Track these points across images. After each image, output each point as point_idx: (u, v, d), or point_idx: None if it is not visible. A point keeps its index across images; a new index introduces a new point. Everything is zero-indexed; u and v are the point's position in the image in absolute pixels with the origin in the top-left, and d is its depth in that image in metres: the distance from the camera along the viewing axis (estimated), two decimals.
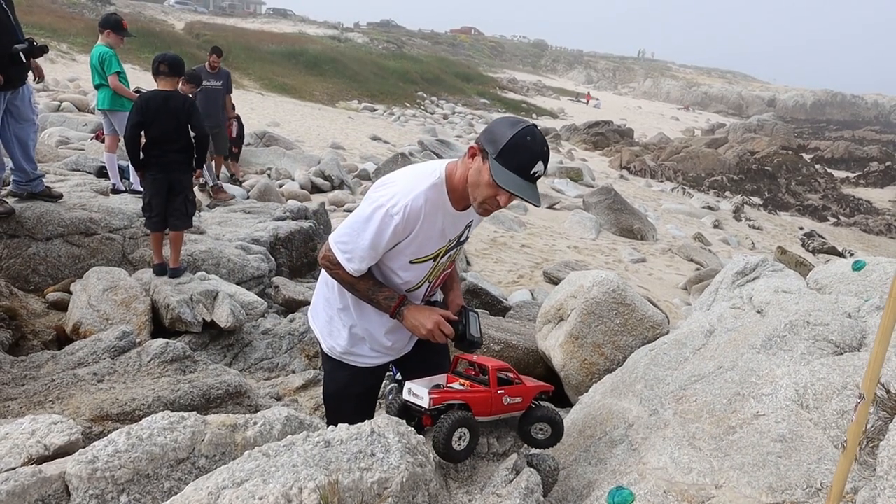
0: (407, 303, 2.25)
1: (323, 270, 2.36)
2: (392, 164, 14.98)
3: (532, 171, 2.00)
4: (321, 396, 4.27)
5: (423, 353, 2.50)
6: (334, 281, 2.33)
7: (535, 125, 2.05)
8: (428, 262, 2.28)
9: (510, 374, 2.15)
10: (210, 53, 9.41)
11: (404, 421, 2.05)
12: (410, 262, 2.25)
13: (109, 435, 1.70)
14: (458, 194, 2.17)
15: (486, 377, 2.10)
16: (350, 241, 2.16)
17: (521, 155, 1.97)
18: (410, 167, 2.28)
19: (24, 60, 4.77)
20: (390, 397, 2.34)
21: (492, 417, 2.12)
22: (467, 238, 2.44)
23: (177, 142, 4.82)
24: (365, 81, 39.25)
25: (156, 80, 4.89)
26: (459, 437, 1.94)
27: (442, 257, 2.31)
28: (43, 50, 4.93)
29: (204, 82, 8.72)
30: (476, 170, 2.06)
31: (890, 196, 27.21)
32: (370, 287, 2.24)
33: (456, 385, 2.11)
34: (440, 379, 2.18)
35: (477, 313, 2.35)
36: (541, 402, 2.25)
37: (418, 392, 1.98)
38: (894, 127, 65.14)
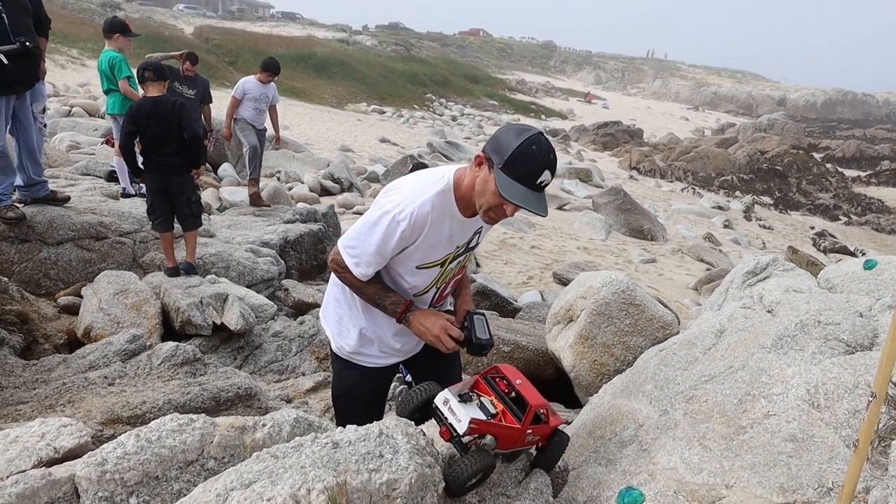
0: (413, 308, 2.25)
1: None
2: (401, 166, 15.00)
3: (538, 181, 1.97)
4: (331, 398, 4.29)
5: (433, 354, 2.50)
6: None
7: (541, 132, 2.02)
8: (435, 267, 2.28)
9: (543, 412, 2.10)
10: (183, 61, 7.84)
11: (416, 416, 2.03)
12: (417, 268, 2.25)
13: (119, 437, 1.71)
14: (466, 201, 2.17)
15: (516, 394, 2.06)
16: (358, 246, 2.17)
17: (527, 165, 1.95)
18: (419, 173, 2.28)
19: (7, 63, 4.52)
20: (398, 391, 2.30)
21: (508, 451, 2.09)
22: (477, 244, 2.44)
23: (170, 145, 4.89)
24: (373, 84, 39.34)
25: (143, 88, 4.96)
26: (476, 478, 1.93)
27: (450, 263, 2.31)
28: (30, 53, 4.68)
29: (174, 84, 7.75)
30: (482, 179, 2.04)
31: None
32: (377, 291, 2.25)
33: (486, 401, 2.06)
34: (468, 384, 2.13)
35: (483, 315, 2.33)
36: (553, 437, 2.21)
37: (457, 412, 1.91)
38: None
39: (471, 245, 2.36)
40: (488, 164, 2.02)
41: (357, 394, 2.52)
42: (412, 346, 2.50)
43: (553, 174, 2.01)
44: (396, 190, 2.18)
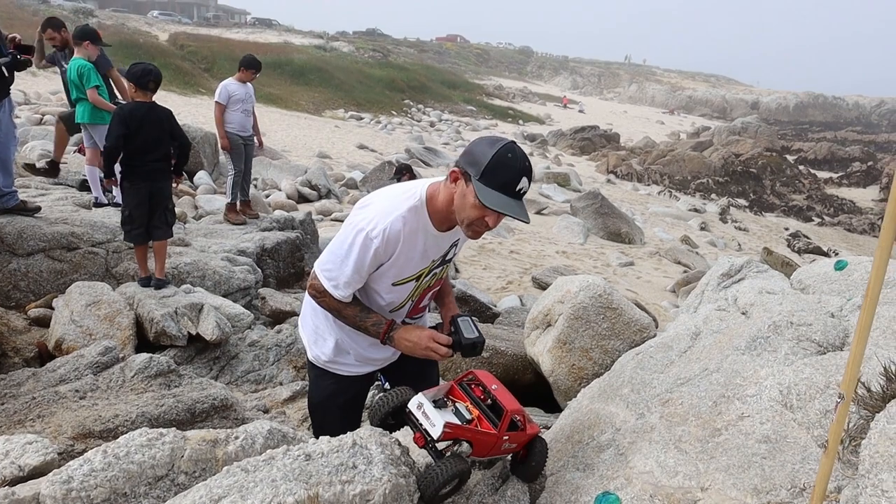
0: (396, 327, 2.22)
1: None
2: (379, 173, 14.99)
3: (517, 188, 1.97)
4: None
5: (410, 361, 2.48)
6: None
7: (513, 142, 2.02)
8: (410, 282, 2.27)
9: (519, 419, 2.07)
10: (42, 29, 6.81)
11: (389, 422, 2.00)
12: (393, 284, 2.24)
13: (85, 454, 1.67)
14: (440, 216, 2.15)
15: (492, 401, 2.03)
16: (334, 268, 2.15)
17: (505, 173, 1.94)
18: (389, 188, 2.26)
19: (7, 75, 4.73)
20: (376, 399, 2.24)
21: (484, 459, 2.06)
22: (454, 256, 2.42)
23: (157, 151, 4.82)
24: (351, 90, 39.26)
25: (138, 92, 4.78)
26: (450, 485, 1.90)
27: (425, 277, 2.30)
28: (26, 64, 4.89)
29: (60, 62, 6.95)
30: (460, 194, 2.02)
31: (872, 195, 27.48)
32: (357, 314, 2.22)
33: (461, 407, 2.03)
34: (444, 389, 2.11)
35: (468, 317, 2.30)
36: (533, 449, 2.18)
37: (431, 416, 1.88)
38: (875, 128, 65.86)
39: (447, 258, 2.35)
40: (465, 177, 2.01)
41: (334, 402, 2.50)
42: (389, 355, 2.49)
43: (530, 181, 2.00)
44: (367, 207, 2.16)
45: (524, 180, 1.97)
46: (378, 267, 2.16)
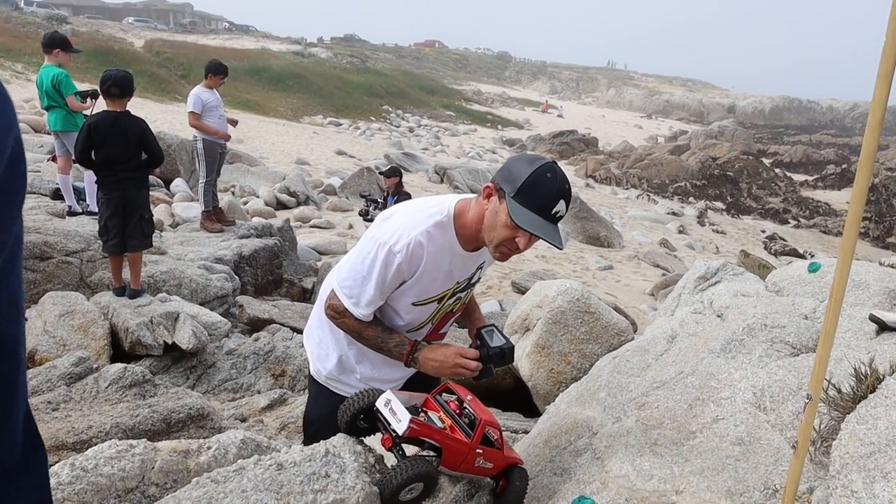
0: (420, 347, 2.07)
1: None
2: (358, 179, 14.96)
3: (553, 211, 1.85)
4: (287, 416, 4.22)
5: (413, 386, 2.34)
6: None
7: (554, 162, 1.92)
8: (432, 303, 2.15)
9: (495, 436, 1.98)
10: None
11: (362, 426, 1.92)
12: (413, 304, 2.12)
13: (52, 467, 1.64)
14: (468, 234, 2.03)
15: (467, 413, 1.95)
16: (355, 286, 2.02)
17: (542, 193, 1.83)
18: (415, 201, 2.14)
19: None
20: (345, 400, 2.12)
21: (455, 473, 1.96)
22: (479, 280, 2.31)
23: (128, 162, 4.73)
24: (329, 96, 39.18)
25: (107, 101, 4.74)
26: (411, 489, 1.79)
27: (448, 299, 2.18)
28: None
29: None
30: (492, 211, 1.91)
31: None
32: (378, 334, 2.08)
33: (434, 416, 1.93)
34: (418, 398, 2.01)
35: (493, 326, 2.21)
36: (513, 473, 2.08)
37: (398, 412, 1.78)
38: (849, 131, 66.98)
39: (472, 281, 2.24)
40: (499, 194, 1.90)
41: (329, 423, 2.22)
42: (397, 377, 2.34)
43: (568, 205, 1.89)
44: (390, 219, 2.04)
45: (561, 203, 1.86)
46: (400, 284, 2.04)
